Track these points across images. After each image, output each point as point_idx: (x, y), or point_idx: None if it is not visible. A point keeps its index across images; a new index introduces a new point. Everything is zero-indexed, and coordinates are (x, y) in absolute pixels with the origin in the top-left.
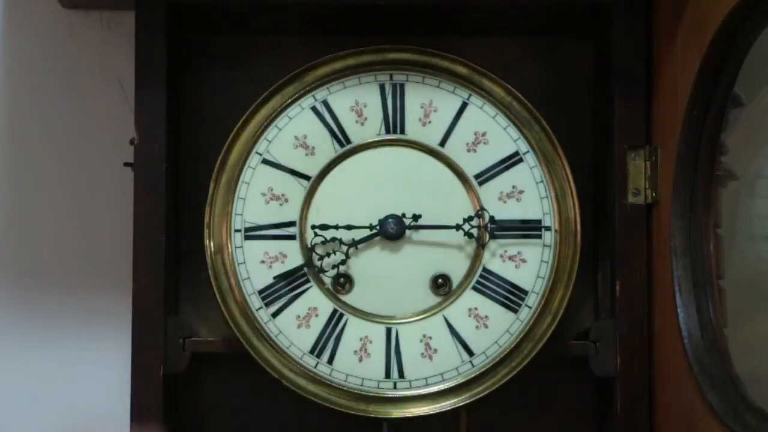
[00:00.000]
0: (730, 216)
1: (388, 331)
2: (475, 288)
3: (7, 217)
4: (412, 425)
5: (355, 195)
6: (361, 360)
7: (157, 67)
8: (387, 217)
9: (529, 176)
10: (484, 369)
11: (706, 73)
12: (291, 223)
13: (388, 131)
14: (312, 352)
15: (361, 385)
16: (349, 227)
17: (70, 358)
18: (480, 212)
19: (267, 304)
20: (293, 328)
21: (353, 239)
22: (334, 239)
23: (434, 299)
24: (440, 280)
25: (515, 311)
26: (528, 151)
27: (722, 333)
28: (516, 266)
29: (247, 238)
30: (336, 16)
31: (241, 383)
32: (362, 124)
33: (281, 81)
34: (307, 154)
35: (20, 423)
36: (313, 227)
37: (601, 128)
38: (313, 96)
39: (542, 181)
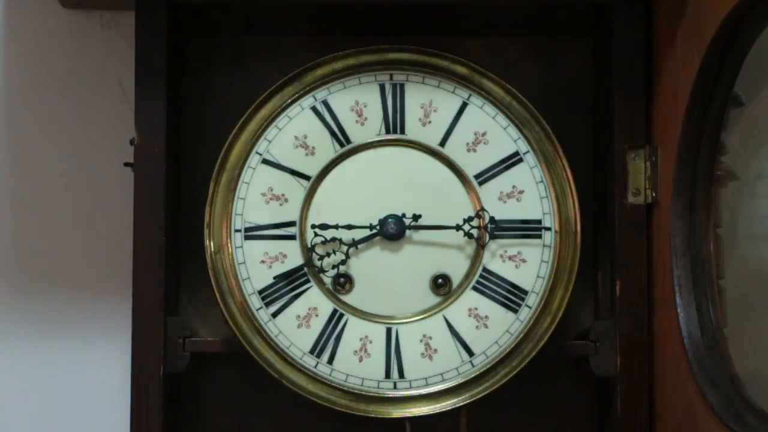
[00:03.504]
0: (730, 216)
1: (388, 331)
2: (475, 288)
3: (8, 217)
4: (412, 425)
5: (355, 195)
6: (361, 360)
7: (157, 67)
8: (387, 217)
9: (529, 176)
10: (484, 369)
11: (706, 73)
12: (291, 223)
13: (388, 131)
14: (312, 352)
15: (361, 385)
16: (349, 227)
17: (70, 358)
18: (480, 212)
19: (267, 304)
20: (293, 328)
21: (353, 239)
22: (334, 239)
23: (434, 299)
24: (440, 280)
25: (515, 311)
26: (528, 151)
27: (722, 333)
28: (516, 266)
29: (247, 238)
30: (336, 16)
31: (241, 383)
32: (362, 124)
33: (281, 81)
34: (307, 154)
35: (20, 422)
36: (313, 227)
37: (601, 128)
38: (313, 96)
39: (542, 181)
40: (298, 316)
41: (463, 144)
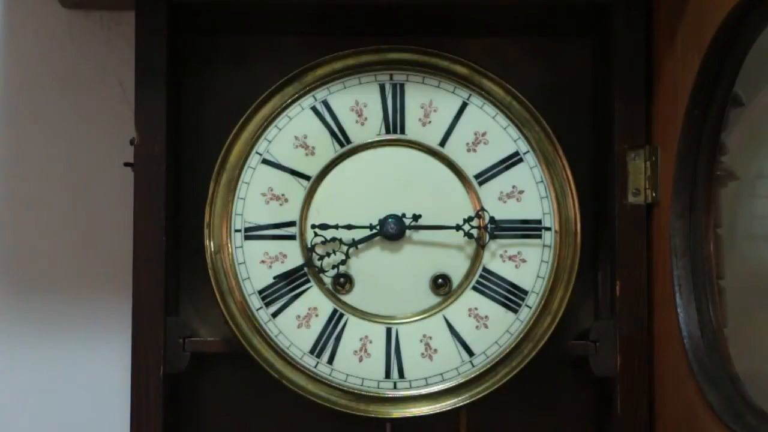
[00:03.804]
0: (730, 216)
1: (388, 331)
2: (475, 288)
3: (8, 217)
4: (412, 425)
5: (355, 195)
6: (361, 360)
7: (157, 67)
8: (387, 217)
9: (529, 176)
10: (484, 369)
11: (706, 73)
12: (291, 223)
13: (388, 131)
14: (312, 352)
15: (361, 385)
16: (349, 227)
17: (70, 358)
18: (480, 212)
19: (267, 304)
20: (293, 328)
21: (353, 239)
22: (334, 239)
23: (434, 299)
24: (440, 280)
25: (515, 311)
26: (528, 151)
27: (722, 333)
28: (516, 266)
29: (247, 238)
30: (336, 16)
31: (241, 383)
32: (362, 124)
33: (281, 81)
34: (307, 154)
35: (20, 422)
36: (313, 227)
37: (601, 128)
38: (313, 96)
39: (542, 181)
40: (298, 316)
41: (463, 144)
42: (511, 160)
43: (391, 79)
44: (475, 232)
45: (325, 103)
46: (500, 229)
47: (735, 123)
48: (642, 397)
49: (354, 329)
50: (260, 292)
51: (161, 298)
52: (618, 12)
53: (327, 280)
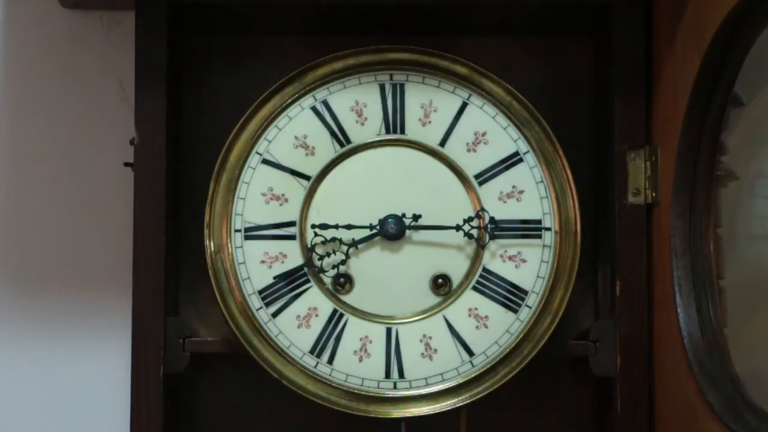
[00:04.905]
0: (730, 216)
1: (388, 331)
2: (475, 288)
3: (8, 217)
4: (412, 425)
5: (355, 195)
6: (361, 360)
7: (157, 67)
8: (387, 217)
9: (529, 176)
10: (484, 369)
11: (706, 73)
12: (291, 223)
13: (388, 131)
14: (312, 352)
15: (361, 385)
16: (349, 227)
17: (70, 358)
18: (480, 212)
19: (267, 304)
20: (293, 328)
21: (353, 239)
22: (334, 239)
23: (434, 299)
24: (440, 280)
25: (515, 311)
26: (528, 151)
27: (722, 333)
28: (516, 266)
29: (247, 238)
30: (336, 16)
31: (241, 383)
32: (362, 124)
33: (281, 81)
34: (307, 154)
35: (20, 422)
36: (313, 227)
37: (601, 128)
38: (313, 96)
39: (542, 181)
40: (298, 316)
41: (463, 144)
42: (511, 160)
43: (391, 79)
44: (475, 232)
45: (325, 103)
46: (500, 229)
47: (735, 123)
48: (642, 397)
49: (354, 329)
50: (260, 292)
51: (161, 298)
52: (618, 12)
53: (327, 280)
